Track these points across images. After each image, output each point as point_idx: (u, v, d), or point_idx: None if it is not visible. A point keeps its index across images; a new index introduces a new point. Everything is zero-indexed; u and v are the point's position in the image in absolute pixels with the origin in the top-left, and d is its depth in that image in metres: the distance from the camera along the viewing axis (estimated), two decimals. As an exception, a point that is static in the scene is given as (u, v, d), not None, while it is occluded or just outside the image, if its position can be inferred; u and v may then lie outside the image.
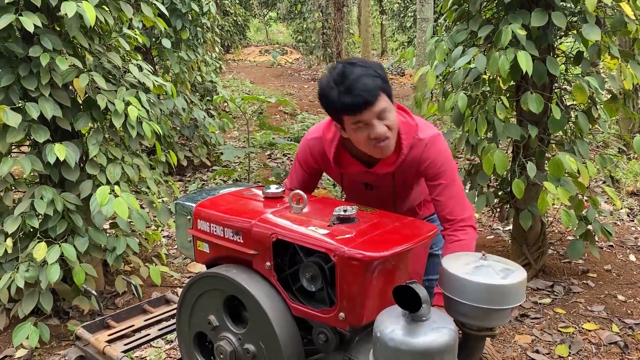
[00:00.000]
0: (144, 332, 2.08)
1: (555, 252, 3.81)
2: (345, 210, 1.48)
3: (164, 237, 4.36)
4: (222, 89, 6.31)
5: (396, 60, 13.89)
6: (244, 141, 7.36)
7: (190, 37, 5.56)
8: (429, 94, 3.64)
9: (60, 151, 2.66)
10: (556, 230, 4.18)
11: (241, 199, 1.75)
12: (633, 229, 4.28)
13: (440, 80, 3.40)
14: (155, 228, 4.24)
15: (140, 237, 3.44)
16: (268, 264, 1.49)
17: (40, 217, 2.80)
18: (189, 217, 1.74)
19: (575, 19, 2.98)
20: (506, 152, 3.11)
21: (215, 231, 1.63)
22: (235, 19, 17.14)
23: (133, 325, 2.10)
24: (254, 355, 1.50)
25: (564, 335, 2.90)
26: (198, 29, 5.65)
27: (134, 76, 3.08)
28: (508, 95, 3.30)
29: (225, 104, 7.82)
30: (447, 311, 1.41)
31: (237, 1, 17.84)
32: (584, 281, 3.43)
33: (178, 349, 2.75)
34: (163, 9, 3.32)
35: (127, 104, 2.89)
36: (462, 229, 1.72)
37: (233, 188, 1.89)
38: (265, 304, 1.44)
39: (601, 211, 3.47)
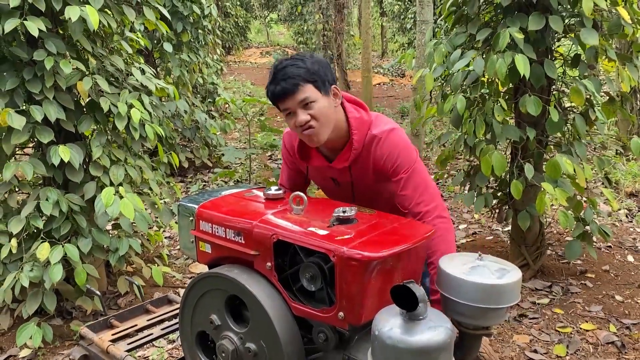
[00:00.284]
0: (147, 332, 2.11)
1: (554, 252, 3.84)
2: (344, 212, 1.51)
3: (165, 238, 4.39)
4: (223, 90, 6.35)
5: (396, 61, 13.92)
6: (245, 142, 7.40)
7: (192, 40, 5.60)
8: (428, 96, 3.67)
9: (64, 153, 2.70)
10: (555, 231, 4.21)
11: (242, 201, 1.78)
12: (631, 229, 4.31)
13: (440, 82, 3.43)
14: (157, 229, 4.27)
15: (142, 238, 3.48)
16: (269, 264, 1.53)
17: (44, 218, 2.84)
18: (191, 218, 1.77)
19: (572, 22, 3.01)
20: (504, 154, 3.14)
21: (217, 232, 1.67)
22: (236, 20, 17.18)
23: (136, 325, 2.13)
24: (255, 353, 1.53)
25: (561, 335, 2.93)
26: (199, 31, 5.69)
27: (137, 79, 3.11)
28: (506, 97, 3.34)
29: (227, 105, 7.86)
30: (444, 310, 1.44)
31: (238, 3, 17.88)
32: (582, 281, 3.46)
33: (180, 348, 2.78)
34: (165, 12, 3.35)
35: (130, 106, 2.93)
36: (431, 223, 1.68)
37: (234, 189, 1.92)
38: (266, 304, 1.47)
39: (599, 212, 3.50)
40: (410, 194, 1.72)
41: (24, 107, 2.72)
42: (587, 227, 3.15)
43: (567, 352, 2.77)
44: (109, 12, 2.89)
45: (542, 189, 2.88)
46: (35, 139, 2.83)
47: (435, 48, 3.15)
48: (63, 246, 2.73)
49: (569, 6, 3.00)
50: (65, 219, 2.83)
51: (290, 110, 1.70)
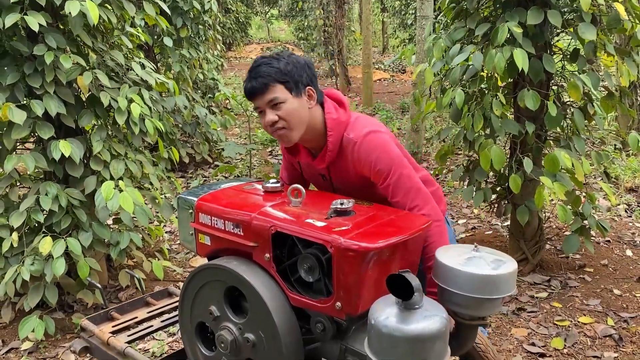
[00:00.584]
0: (147, 324, 2.13)
1: (553, 247, 3.86)
2: (342, 204, 1.53)
3: (166, 232, 4.41)
4: (223, 86, 6.36)
5: (397, 57, 13.92)
6: (246, 138, 7.41)
7: (192, 35, 5.60)
8: (427, 91, 3.68)
9: (65, 147, 2.71)
10: (554, 226, 4.23)
11: (241, 193, 1.80)
12: (630, 224, 4.32)
13: (439, 76, 3.44)
14: (158, 223, 4.29)
15: (143, 232, 3.50)
16: (267, 255, 1.54)
17: (45, 212, 2.86)
18: (190, 210, 1.78)
19: (571, 16, 3.02)
20: (503, 149, 3.15)
21: (216, 224, 1.68)
22: (236, 16, 17.17)
23: (136, 317, 2.15)
24: (253, 344, 1.55)
25: (559, 328, 2.95)
26: (199, 26, 5.69)
27: (137, 74, 3.13)
28: (505, 92, 3.35)
29: (227, 101, 7.87)
30: (440, 301, 1.46)
31: (239, -2, 17.86)
32: (581, 276, 3.48)
33: (180, 341, 2.81)
34: (165, 7, 3.36)
35: (130, 101, 2.94)
36: None
37: (234, 183, 1.94)
38: (265, 294, 1.49)
39: (598, 207, 3.51)
40: (402, 200, 1.68)
41: (25, 102, 2.74)
42: (585, 222, 3.16)
43: (565, 345, 2.79)
44: (109, 7, 2.90)
45: (541, 184, 2.90)
46: (36, 135, 2.85)
47: (434, 43, 3.16)
48: (65, 240, 2.75)
49: (567, 1, 3.01)
50: (66, 213, 2.84)
51: (261, 108, 1.70)
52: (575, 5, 2.95)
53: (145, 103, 3.03)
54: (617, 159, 5.37)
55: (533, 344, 2.81)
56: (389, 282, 1.23)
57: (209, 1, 5.64)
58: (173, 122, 5.35)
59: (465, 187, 3.45)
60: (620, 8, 2.71)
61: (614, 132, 5.02)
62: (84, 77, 2.79)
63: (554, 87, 3.36)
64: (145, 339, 2.94)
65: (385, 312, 1.23)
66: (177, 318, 2.00)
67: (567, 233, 3.24)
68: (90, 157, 2.96)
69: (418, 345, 1.19)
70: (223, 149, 5.59)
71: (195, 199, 1.77)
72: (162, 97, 3.92)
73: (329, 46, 11.67)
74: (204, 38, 5.91)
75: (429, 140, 6.81)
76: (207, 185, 1.94)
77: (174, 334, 3.03)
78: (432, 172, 4.85)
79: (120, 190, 2.73)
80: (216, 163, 6.32)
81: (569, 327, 2.96)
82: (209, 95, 6.30)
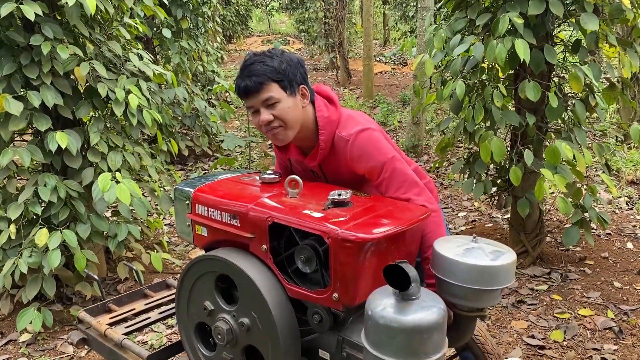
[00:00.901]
0: (144, 316, 2.12)
1: (553, 239, 3.84)
2: (339, 195, 1.52)
3: (165, 225, 4.40)
4: (223, 79, 6.33)
5: (398, 49, 13.86)
6: (246, 131, 7.39)
7: (191, 27, 5.57)
8: (427, 83, 3.66)
9: (62, 139, 2.70)
10: (554, 218, 4.21)
11: (238, 184, 1.78)
12: (631, 217, 4.30)
13: (440, 67, 3.41)
14: (157, 216, 4.28)
15: (142, 224, 3.49)
16: (264, 246, 1.53)
17: (42, 204, 2.84)
18: (187, 202, 1.77)
19: (573, 7, 2.99)
20: (504, 141, 3.13)
21: (213, 215, 1.67)
22: (237, 8, 17.09)
23: (134, 309, 2.14)
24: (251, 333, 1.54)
25: (559, 321, 2.94)
26: (199, 18, 5.65)
27: (134, 65, 3.10)
28: (506, 83, 3.32)
29: (227, 93, 7.84)
30: (439, 292, 1.45)
31: (239, -9, 17.77)
32: (581, 268, 3.46)
33: (178, 332, 2.80)
34: (163, -3, 3.33)
35: (128, 92, 2.92)
36: None
37: (231, 174, 1.92)
38: (261, 285, 1.48)
39: (599, 199, 3.49)
40: (396, 194, 1.66)
41: (22, 93, 2.72)
42: (586, 214, 3.15)
43: (565, 338, 2.78)
44: (107, -3, 2.87)
45: (542, 176, 2.88)
46: (34, 126, 2.83)
47: (434, 33, 3.13)
48: (61, 232, 2.74)
49: (569, -9, 2.98)
50: (64, 205, 2.83)
51: (255, 108, 1.67)
52: (577, -5, 2.92)
53: (143, 94, 3.00)
54: (618, 151, 5.35)
55: (533, 337, 2.80)
56: (386, 272, 1.21)
57: (208, -7, 5.61)
58: (172, 115, 5.33)
59: (466, 179, 3.43)
60: (622, -3, 2.69)
61: (616, 124, 4.99)
62: (81, 68, 2.76)
63: (555, 79, 3.33)
64: (144, 330, 2.93)
65: (383, 303, 1.22)
66: (174, 310, 1.99)
67: (568, 225, 3.22)
68: (88, 148, 2.95)
69: (415, 337, 1.18)
70: (222, 141, 5.57)
71: (192, 190, 1.76)
72: (161, 89, 3.90)
73: (330, 39, 11.62)
74: (203, 30, 5.87)
75: (428, 133, 6.79)
76: (204, 177, 1.92)
77: (173, 326, 3.02)
78: (432, 164, 4.82)
79: (117, 182, 2.71)
80: (216, 156, 6.30)
81: (568, 319, 2.95)
82: (209, 87, 6.27)
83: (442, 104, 3.34)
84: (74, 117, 2.92)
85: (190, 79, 5.63)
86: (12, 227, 2.76)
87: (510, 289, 3.24)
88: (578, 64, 2.95)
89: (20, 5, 2.51)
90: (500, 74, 3.22)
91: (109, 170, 2.90)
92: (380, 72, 12.80)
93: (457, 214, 4.57)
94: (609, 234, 3.97)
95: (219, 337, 1.60)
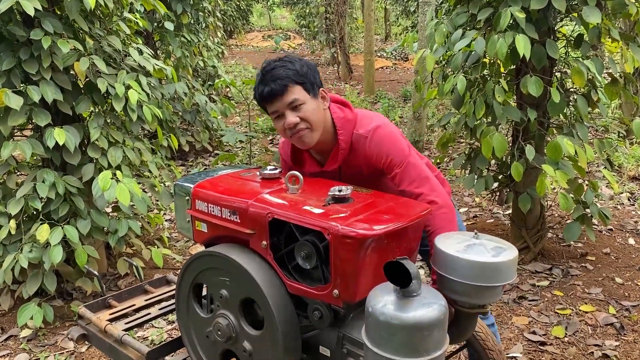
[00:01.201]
0: (144, 312, 2.12)
1: (555, 235, 3.83)
2: (340, 190, 1.50)
3: (166, 220, 4.40)
4: (224, 74, 6.31)
5: (399, 44, 13.81)
6: (246, 126, 7.37)
7: (192, 22, 5.54)
8: (429, 78, 3.64)
9: (59, 136, 2.69)
10: (556, 214, 4.20)
11: (238, 180, 1.77)
12: (633, 212, 4.29)
13: (441, 62, 3.39)
14: (158, 211, 4.28)
15: (142, 220, 3.48)
16: (264, 243, 1.52)
17: (42, 199, 2.84)
18: (187, 197, 1.76)
19: (575, 1, 2.97)
20: (505, 136, 3.12)
21: (213, 211, 1.66)
22: (238, 3, 17.02)
23: (134, 305, 2.14)
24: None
25: (560, 316, 2.93)
26: (199, 13, 5.63)
27: (134, 60, 3.09)
28: (508, 78, 3.30)
29: (228, 89, 7.82)
30: (440, 289, 1.44)
31: (240, -14, 17.70)
32: (583, 264, 3.45)
33: (178, 328, 2.80)
34: (163, -8, 3.32)
35: (128, 87, 2.91)
36: (435, 215, 1.63)
37: (231, 169, 1.91)
38: (261, 282, 1.47)
39: (600, 195, 3.48)
40: (408, 188, 1.69)
41: (21, 88, 2.71)
42: (587, 210, 3.14)
43: (566, 334, 2.78)
44: (106, -8, 2.85)
45: (543, 171, 2.86)
46: (34, 122, 2.82)
47: (436, 28, 3.12)
48: (62, 227, 2.73)
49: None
50: (64, 200, 2.83)
51: (279, 112, 1.67)
52: (579, -11, 2.89)
53: (143, 90, 2.99)
54: (620, 147, 5.33)
55: (534, 333, 2.80)
56: (387, 269, 1.20)
57: (208, -13, 5.58)
58: (172, 110, 5.31)
59: (467, 175, 3.42)
60: (625, -9, 2.67)
61: (618, 120, 4.97)
62: (80, 63, 2.75)
63: (557, 74, 3.31)
64: (144, 326, 2.93)
65: (383, 300, 1.21)
66: (174, 306, 1.98)
67: (569, 221, 3.21)
68: (88, 144, 2.94)
69: (416, 334, 1.17)
70: (223, 136, 5.56)
71: (192, 186, 1.75)
72: (162, 84, 3.88)
73: (331, 34, 11.58)
74: (204, 25, 5.85)
75: (430, 128, 6.77)
76: (204, 172, 1.92)
77: (173, 322, 3.02)
78: (433, 160, 4.81)
79: (118, 181, 2.70)
80: (216, 151, 6.29)
81: (570, 315, 2.94)
82: (209, 83, 6.26)
83: (443, 99, 3.33)
84: (73, 113, 2.91)
85: (191, 74, 5.62)
86: (12, 223, 2.76)
87: (511, 285, 3.23)
88: (580, 59, 2.93)
89: (20, 0, 2.49)
90: (502, 69, 3.20)
91: (109, 166, 2.89)
92: (382, 68, 12.77)
93: (458, 209, 4.55)
94: (611, 229, 3.96)
95: (219, 333, 1.60)
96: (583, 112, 3.00)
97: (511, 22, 2.73)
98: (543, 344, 2.71)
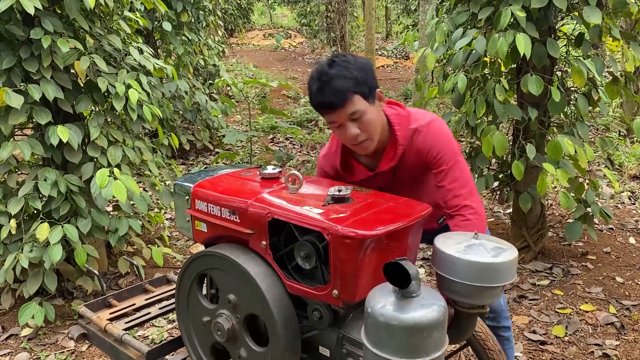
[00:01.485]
0: (145, 311, 2.12)
1: (555, 234, 3.83)
2: (339, 190, 1.50)
3: (166, 219, 4.40)
4: (225, 72, 6.31)
5: (400, 43, 13.80)
6: (247, 125, 7.37)
7: (192, 20, 5.54)
8: (429, 76, 3.63)
9: (63, 133, 2.69)
10: (556, 213, 4.20)
11: (238, 180, 1.77)
12: (634, 212, 4.29)
13: (442, 61, 3.39)
14: (158, 210, 4.28)
15: (143, 219, 3.48)
16: (264, 243, 1.52)
17: (43, 199, 2.84)
18: (187, 197, 1.76)
19: (576, 0, 2.96)
20: (506, 135, 3.12)
21: (213, 211, 1.66)
22: (239, 2, 17.01)
23: (134, 304, 2.14)
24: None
25: (561, 316, 2.93)
26: (200, 12, 5.62)
27: (135, 59, 3.09)
28: (509, 77, 3.30)
29: (228, 87, 7.81)
30: (440, 289, 1.44)
31: (241, -16, 17.68)
32: (583, 263, 3.45)
33: (178, 327, 2.80)
34: (163, -9, 3.31)
35: (128, 86, 2.91)
36: (467, 218, 1.65)
37: (231, 169, 1.91)
38: (261, 282, 1.47)
39: (601, 194, 3.47)
40: (449, 186, 1.69)
41: (22, 87, 2.71)
42: (588, 209, 3.13)
43: (566, 333, 2.77)
44: (106, -9, 2.85)
45: (544, 170, 2.86)
46: (34, 121, 2.82)
47: (436, 27, 3.11)
48: (62, 226, 2.73)
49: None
50: (64, 199, 2.83)
51: (338, 122, 1.64)
52: (580, -12, 2.89)
53: (143, 89, 2.99)
54: (621, 146, 5.32)
55: (534, 332, 2.79)
56: (386, 270, 1.20)
57: (209, -14, 5.58)
58: (173, 109, 5.31)
59: (467, 173, 3.41)
60: (626, -9, 2.66)
61: (619, 119, 4.97)
62: (81, 62, 2.75)
63: (558, 73, 3.31)
64: (145, 325, 2.93)
65: (382, 301, 1.21)
66: (175, 305, 1.98)
67: (570, 220, 3.21)
68: (88, 143, 2.94)
69: (415, 335, 1.17)
70: (224, 136, 5.56)
71: (192, 185, 1.75)
72: (162, 83, 3.88)
73: (332, 32, 11.58)
74: (204, 24, 5.84)
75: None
76: (204, 171, 1.91)
77: (173, 321, 3.02)
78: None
79: (115, 178, 2.70)
80: (217, 150, 6.29)
81: (570, 314, 2.94)
82: (210, 82, 6.25)
83: (444, 98, 3.33)
84: (74, 112, 2.91)
85: (192, 73, 5.61)
86: (13, 222, 2.76)
87: (511, 284, 3.23)
88: (581, 58, 2.92)
89: (20, -1, 2.49)
90: (503, 68, 3.19)
91: (109, 165, 2.89)
92: (382, 66, 12.76)
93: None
94: (611, 228, 3.96)
95: (219, 333, 1.60)
96: (583, 111, 3.00)
97: (512, 21, 2.73)
98: (543, 343, 2.71)
